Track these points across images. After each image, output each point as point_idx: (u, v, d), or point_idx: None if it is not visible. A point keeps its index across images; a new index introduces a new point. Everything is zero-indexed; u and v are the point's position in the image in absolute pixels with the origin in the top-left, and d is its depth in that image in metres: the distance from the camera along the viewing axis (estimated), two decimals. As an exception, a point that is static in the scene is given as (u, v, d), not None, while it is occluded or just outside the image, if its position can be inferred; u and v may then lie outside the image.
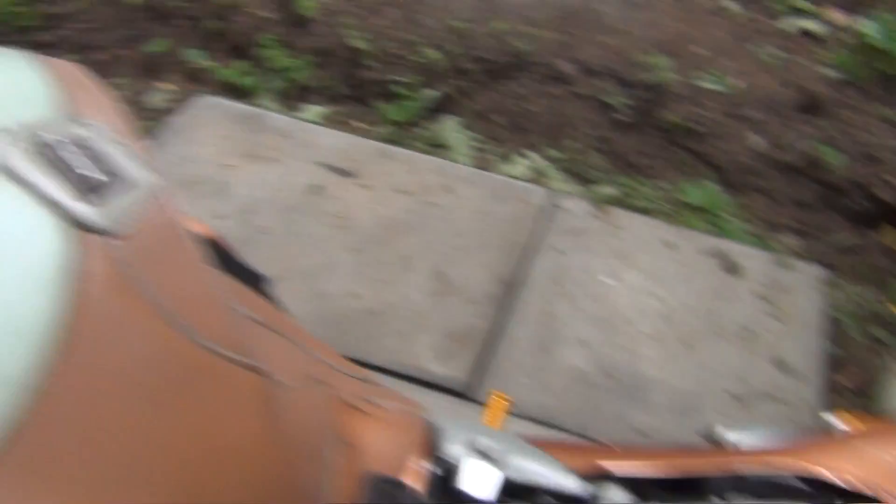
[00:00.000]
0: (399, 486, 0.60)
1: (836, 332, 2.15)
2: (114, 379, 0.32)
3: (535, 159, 2.50)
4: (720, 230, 2.36)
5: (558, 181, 2.45)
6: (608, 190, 2.43)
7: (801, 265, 2.28)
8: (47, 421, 0.29)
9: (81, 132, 0.36)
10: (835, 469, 0.64)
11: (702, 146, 2.48)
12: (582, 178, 2.47)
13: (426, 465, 0.64)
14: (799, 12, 2.80)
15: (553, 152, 2.51)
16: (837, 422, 0.76)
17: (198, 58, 2.60)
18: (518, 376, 1.94)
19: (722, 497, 0.64)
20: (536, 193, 2.35)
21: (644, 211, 2.36)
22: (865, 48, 2.58)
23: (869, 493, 0.62)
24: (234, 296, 0.43)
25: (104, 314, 0.31)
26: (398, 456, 0.64)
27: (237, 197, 2.24)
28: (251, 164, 2.33)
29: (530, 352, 1.98)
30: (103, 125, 0.37)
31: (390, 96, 2.55)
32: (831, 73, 2.57)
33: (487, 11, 2.58)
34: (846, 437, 0.73)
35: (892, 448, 0.68)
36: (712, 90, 2.48)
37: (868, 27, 2.61)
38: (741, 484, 0.65)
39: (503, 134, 2.54)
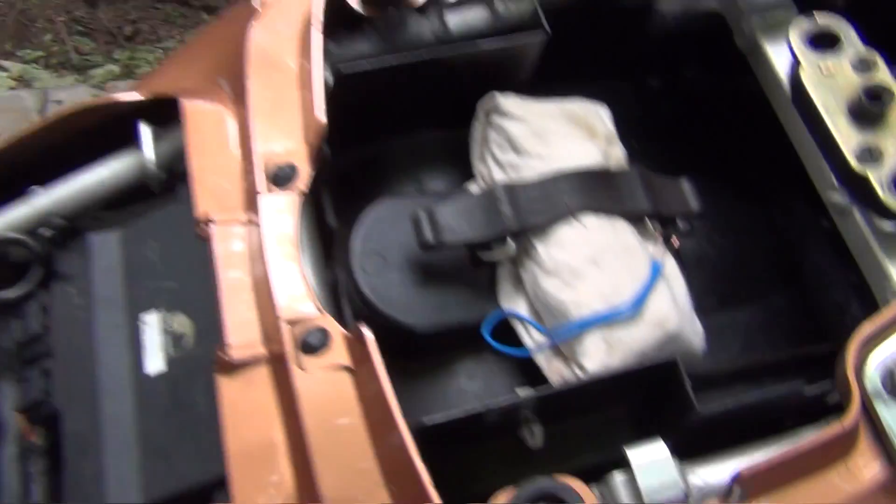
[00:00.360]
0: None
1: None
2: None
3: (14, 66, 2.23)
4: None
5: (49, 79, 2.23)
6: (109, 69, 2.27)
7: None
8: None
9: None
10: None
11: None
12: (74, 67, 2.27)
13: None
14: None
15: (31, 52, 2.26)
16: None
17: None
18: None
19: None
20: (27, 98, 2.12)
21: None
22: None
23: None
24: None
25: None
26: None
27: None
28: None
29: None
30: None
31: None
32: None
33: None
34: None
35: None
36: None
37: None
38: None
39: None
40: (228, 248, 0.76)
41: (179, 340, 0.83)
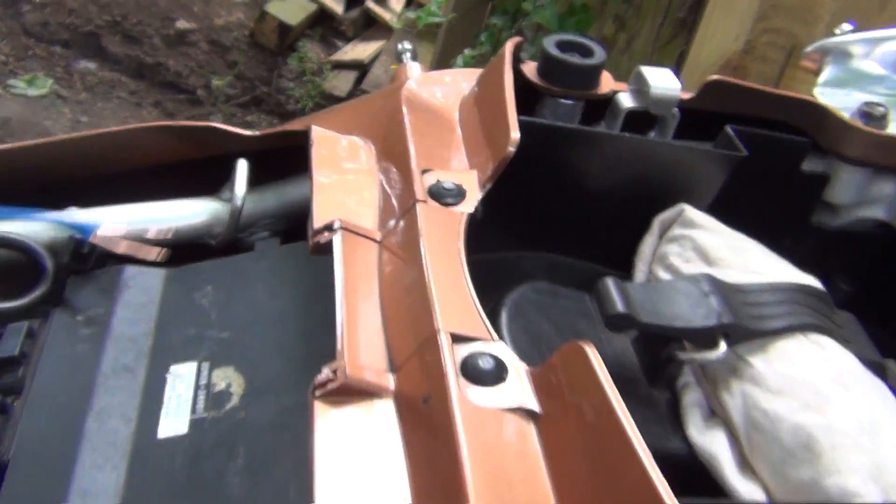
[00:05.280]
0: None
1: None
2: None
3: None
4: None
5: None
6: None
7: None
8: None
9: None
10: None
11: None
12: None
13: None
14: None
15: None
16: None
17: None
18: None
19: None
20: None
21: None
22: None
23: None
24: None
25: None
26: None
27: None
28: None
29: None
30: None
31: None
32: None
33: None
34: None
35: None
36: None
37: None
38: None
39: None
40: (355, 256, 0.55)
41: (219, 398, 0.57)
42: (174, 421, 0.56)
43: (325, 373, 0.46)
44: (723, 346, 0.58)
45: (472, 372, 0.45)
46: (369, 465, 0.43)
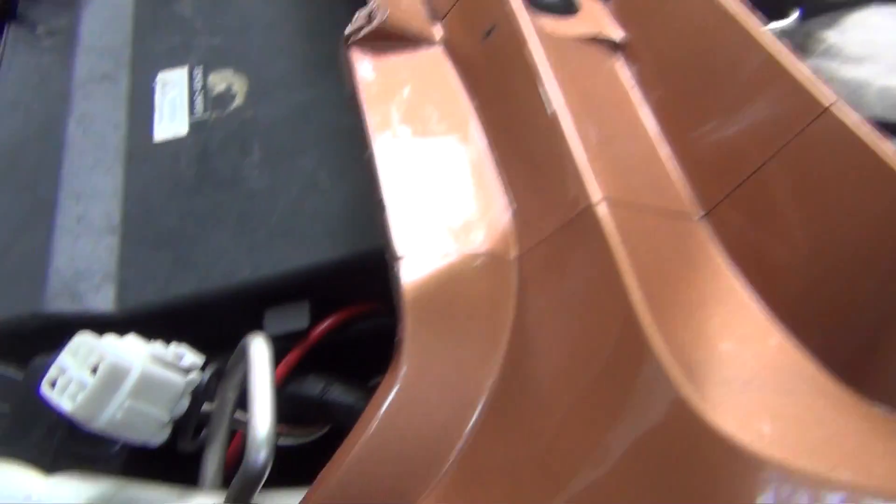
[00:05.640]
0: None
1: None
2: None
3: None
4: None
5: None
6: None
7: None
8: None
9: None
10: None
11: None
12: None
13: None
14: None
15: None
16: None
17: None
18: None
19: None
20: None
21: None
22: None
23: None
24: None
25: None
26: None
27: None
28: None
29: None
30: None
31: None
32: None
33: None
34: None
35: None
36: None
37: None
38: None
39: None
40: None
41: (220, 100, 0.49)
42: (170, 125, 0.48)
43: (358, 19, 0.38)
44: (795, 13, 0.51)
45: (539, 3, 0.37)
46: (431, 118, 0.36)
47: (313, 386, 0.40)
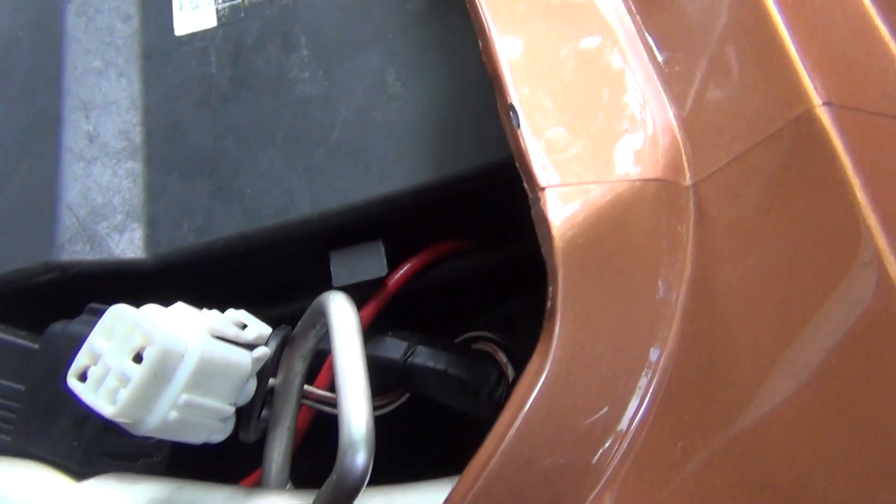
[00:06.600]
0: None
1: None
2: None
3: None
4: None
5: None
6: None
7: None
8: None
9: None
10: None
11: None
12: None
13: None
14: None
15: None
16: None
17: None
18: None
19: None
20: None
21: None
22: None
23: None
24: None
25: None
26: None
27: None
28: None
29: None
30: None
31: None
32: None
33: None
34: None
35: None
36: None
37: None
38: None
39: None
40: None
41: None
42: (193, 13, 0.38)
43: None
44: None
45: None
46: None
47: (394, 348, 0.32)
